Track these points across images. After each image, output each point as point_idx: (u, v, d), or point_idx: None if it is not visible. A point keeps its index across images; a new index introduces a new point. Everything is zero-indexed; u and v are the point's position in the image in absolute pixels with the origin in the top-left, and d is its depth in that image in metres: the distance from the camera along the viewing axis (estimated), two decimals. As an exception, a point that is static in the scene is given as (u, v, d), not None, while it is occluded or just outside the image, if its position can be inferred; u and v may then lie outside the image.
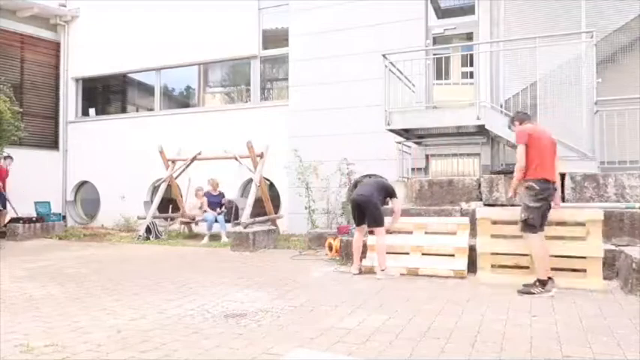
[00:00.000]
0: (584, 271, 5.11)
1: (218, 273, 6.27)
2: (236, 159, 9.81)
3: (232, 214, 9.84)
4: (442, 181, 7.46)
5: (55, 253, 8.28)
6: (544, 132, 5.17)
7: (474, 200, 7.12)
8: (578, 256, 5.13)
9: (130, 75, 13.15)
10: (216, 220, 9.76)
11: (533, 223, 4.83)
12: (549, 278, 4.80)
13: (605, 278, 5.29)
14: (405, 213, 7.01)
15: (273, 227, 9.44)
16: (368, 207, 5.98)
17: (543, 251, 4.87)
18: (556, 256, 5.09)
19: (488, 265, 5.52)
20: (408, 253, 6.13)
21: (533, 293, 4.70)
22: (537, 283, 4.80)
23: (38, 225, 10.83)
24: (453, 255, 5.91)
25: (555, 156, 5.11)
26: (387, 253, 6.24)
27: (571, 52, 7.18)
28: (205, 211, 10.03)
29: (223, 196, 10.26)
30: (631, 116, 6.74)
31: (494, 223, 5.57)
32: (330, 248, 7.13)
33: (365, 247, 6.40)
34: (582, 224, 5.20)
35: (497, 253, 5.50)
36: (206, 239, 9.50)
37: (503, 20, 8.47)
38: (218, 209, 9.96)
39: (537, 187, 4.83)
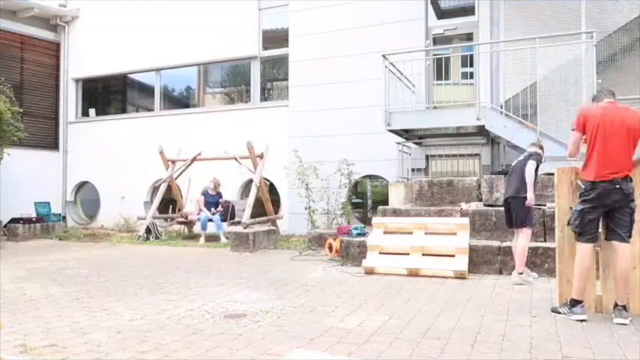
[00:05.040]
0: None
1: (218, 273, 6.27)
2: (236, 159, 9.81)
3: (229, 214, 9.83)
4: (442, 181, 7.47)
5: (55, 254, 8.28)
6: (614, 113, 3.98)
7: (474, 201, 7.13)
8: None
9: (130, 75, 13.14)
10: (210, 220, 9.73)
11: (573, 228, 4.09)
12: (577, 301, 3.99)
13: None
14: (405, 213, 7.02)
15: (273, 228, 9.44)
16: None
17: (580, 266, 4.01)
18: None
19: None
20: (408, 254, 6.13)
21: (560, 313, 4.05)
22: (567, 302, 4.08)
23: (38, 225, 10.83)
24: (453, 255, 5.91)
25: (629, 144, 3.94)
26: (387, 253, 6.25)
27: (571, 52, 7.19)
28: (201, 210, 10.00)
29: (221, 197, 10.24)
30: (631, 117, 6.73)
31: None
32: (330, 249, 7.13)
33: (364, 247, 6.40)
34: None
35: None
36: (202, 240, 9.47)
37: (503, 21, 8.47)
38: (213, 209, 9.94)
39: (583, 187, 4.06)
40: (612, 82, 7.22)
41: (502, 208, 6.47)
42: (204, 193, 10.18)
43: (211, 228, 9.83)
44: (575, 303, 3.99)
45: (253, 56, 11.21)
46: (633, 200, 3.97)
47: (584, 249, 4.01)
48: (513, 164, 5.68)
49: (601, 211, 3.98)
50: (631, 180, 3.96)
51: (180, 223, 10.63)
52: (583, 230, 4.00)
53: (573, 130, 4.10)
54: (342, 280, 5.75)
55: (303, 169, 9.36)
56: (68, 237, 10.72)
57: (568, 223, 4.16)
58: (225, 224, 9.68)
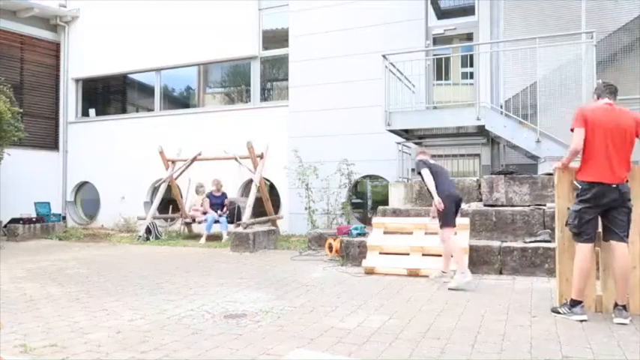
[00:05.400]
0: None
1: (218, 273, 6.27)
2: (236, 159, 9.81)
3: (235, 214, 9.83)
4: (442, 181, 7.44)
5: (55, 254, 8.28)
6: (611, 116, 4.01)
7: (475, 201, 7.12)
8: None
9: (130, 75, 13.15)
10: (217, 221, 9.76)
11: (571, 228, 4.10)
12: (577, 301, 4.00)
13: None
14: (405, 213, 7.02)
15: (273, 228, 9.44)
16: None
17: (579, 266, 4.02)
18: None
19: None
20: (408, 254, 6.13)
21: (560, 313, 4.05)
22: (567, 302, 4.08)
23: (38, 225, 10.83)
24: (452, 255, 5.89)
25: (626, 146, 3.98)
26: (388, 253, 6.24)
27: (571, 52, 7.19)
28: (206, 212, 10.00)
29: (226, 197, 10.25)
30: (631, 117, 6.73)
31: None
32: (330, 249, 7.13)
33: (364, 247, 6.40)
34: None
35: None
36: (202, 240, 9.48)
37: (503, 21, 8.47)
38: (219, 210, 9.95)
39: (580, 187, 4.07)
40: (612, 82, 7.20)
41: (502, 208, 6.50)
42: (209, 195, 10.19)
43: (214, 228, 9.85)
44: (574, 303, 4.00)
45: (253, 56, 11.21)
46: (630, 199, 3.98)
47: (584, 249, 4.01)
48: (438, 164, 5.79)
49: (598, 210, 3.98)
50: (627, 180, 3.98)
51: (186, 223, 10.65)
52: (581, 230, 4.00)
53: (573, 129, 4.06)
54: (342, 280, 5.74)
55: (303, 169, 9.36)
56: (68, 237, 10.72)
57: (566, 224, 4.17)
58: (232, 225, 9.69)
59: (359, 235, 7.11)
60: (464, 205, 6.91)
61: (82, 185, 13.19)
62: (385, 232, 6.55)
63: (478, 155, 8.84)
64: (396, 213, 7.06)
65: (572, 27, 7.50)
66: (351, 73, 9.75)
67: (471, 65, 8.86)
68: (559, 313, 4.06)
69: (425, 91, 9.09)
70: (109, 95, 13.96)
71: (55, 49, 13.16)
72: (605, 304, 4.16)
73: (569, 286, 4.14)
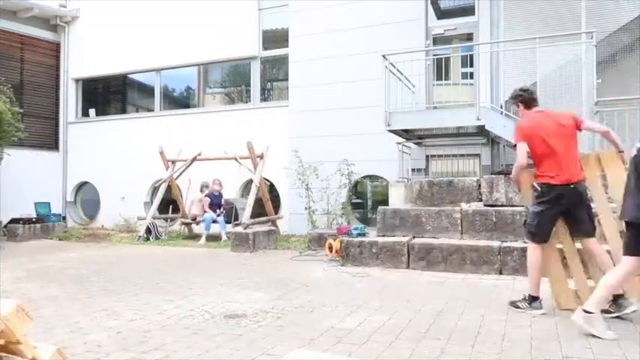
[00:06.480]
0: None
1: (218, 274, 6.27)
2: (236, 160, 9.81)
3: (232, 215, 9.84)
4: (442, 181, 7.46)
5: (55, 254, 8.28)
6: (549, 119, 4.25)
7: (475, 201, 7.12)
8: None
9: (130, 75, 13.14)
10: (215, 221, 9.76)
11: (529, 229, 4.26)
12: (535, 297, 4.19)
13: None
14: (405, 214, 7.01)
15: (273, 228, 9.44)
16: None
17: (534, 265, 4.21)
18: None
19: None
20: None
21: (519, 307, 4.22)
22: (526, 298, 4.25)
23: (38, 226, 10.83)
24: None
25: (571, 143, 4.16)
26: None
27: (571, 52, 7.19)
28: (205, 211, 10.02)
29: (222, 196, 10.26)
30: (631, 116, 6.75)
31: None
32: (330, 249, 7.13)
33: (364, 247, 6.39)
34: None
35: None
36: (203, 240, 9.49)
37: (503, 21, 8.47)
38: (217, 210, 9.97)
39: (539, 189, 4.18)
40: (612, 82, 7.22)
41: (502, 208, 6.50)
42: (210, 195, 10.18)
43: (213, 228, 9.86)
44: (533, 299, 4.19)
45: (253, 56, 11.21)
46: (588, 196, 4.22)
47: (537, 249, 4.22)
48: None
49: (558, 210, 4.15)
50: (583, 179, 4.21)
51: (185, 224, 10.64)
52: (537, 231, 4.20)
53: (516, 144, 4.33)
54: (342, 280, 5.74)
55: (303, 169, 9.35)
56: (68, 237, 10.72)
57: (524, 224, 4.43)
58: (229, 225, 9.70)
59: (359, 235, 7.10)
60: (464, 205, 6.92)
61: (82, 185, 13.18)
62: None
63: (478, 155, 8.84)
64: (396, 213, 7.06)
65: (572, 27, 7.50)
66: (351, 73, 9.74)
67: (471, 65, 8.85)
68: (518, 307, 4.23)
69: (425, 91, 9.08)
70: (109, 95, 13.96)
71: (55, 49, 13.15)
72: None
73: (560, 286, 4.26)
